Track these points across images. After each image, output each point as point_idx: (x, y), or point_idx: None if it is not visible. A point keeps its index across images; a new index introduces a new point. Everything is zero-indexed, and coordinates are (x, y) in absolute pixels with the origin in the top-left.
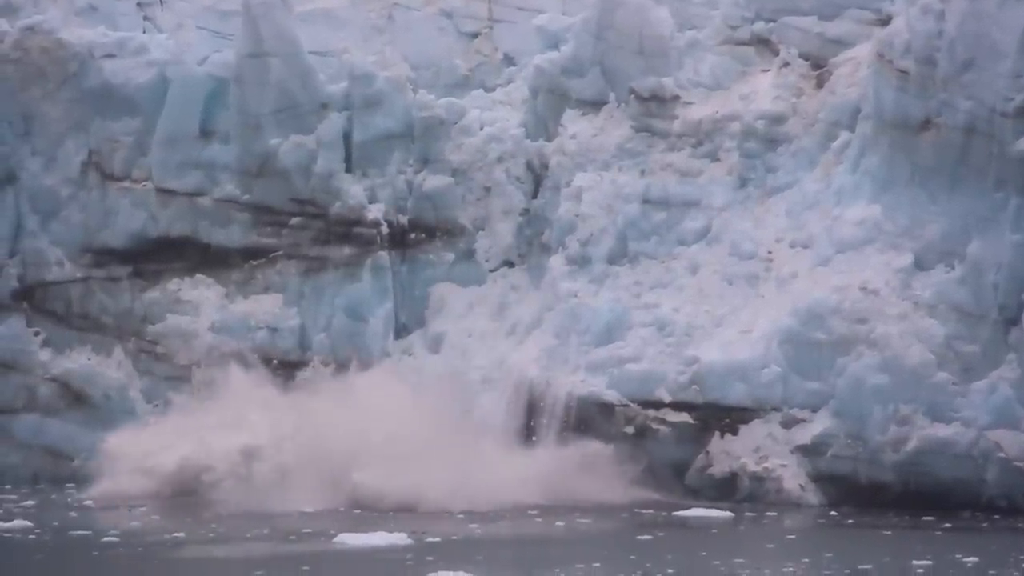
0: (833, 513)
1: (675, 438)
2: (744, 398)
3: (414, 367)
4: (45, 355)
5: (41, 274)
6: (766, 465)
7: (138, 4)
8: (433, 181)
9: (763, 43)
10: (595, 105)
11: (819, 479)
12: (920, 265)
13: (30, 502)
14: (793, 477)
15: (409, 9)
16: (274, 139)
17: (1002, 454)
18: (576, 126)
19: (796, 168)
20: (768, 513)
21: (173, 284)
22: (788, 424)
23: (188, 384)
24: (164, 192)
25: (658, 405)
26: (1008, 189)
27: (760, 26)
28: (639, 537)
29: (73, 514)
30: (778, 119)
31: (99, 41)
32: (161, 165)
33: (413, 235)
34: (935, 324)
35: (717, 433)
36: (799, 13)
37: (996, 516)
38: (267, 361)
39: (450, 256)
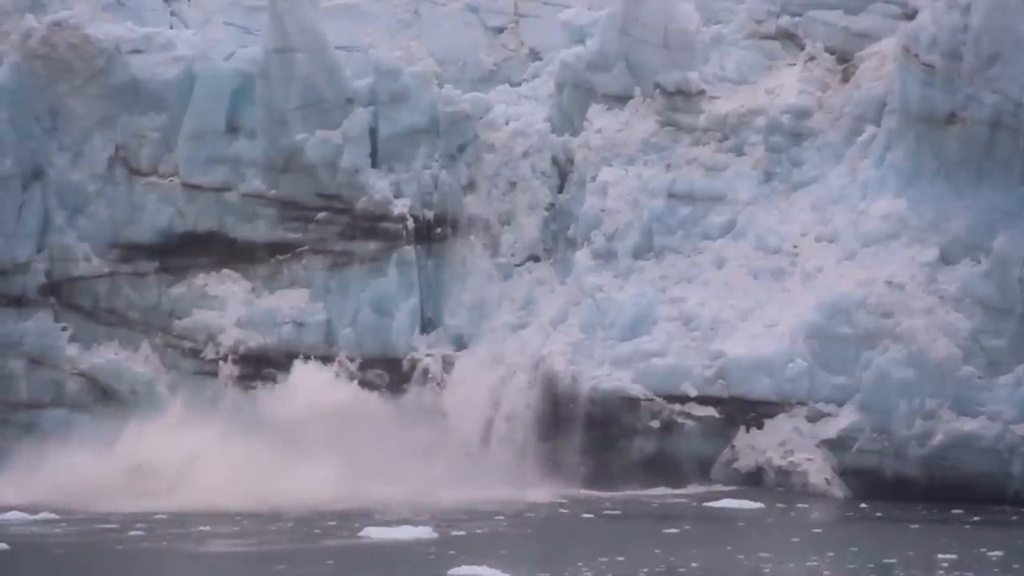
0: (863, 506)
1: (700, 432)
2: (769, 392)
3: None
4: (72, 350)
5: (68, 269)
6: (792, 459)
7: (165, 0)
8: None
9: (789, 37)
10: (620, 99)
11: (845, 473)
12: (945, 259)
13: None
14: (819, 471)
15: (435, 4)
16: (300, 134)
17: None
18: (601, 120)
19: (822, 162)
20: (798, 505)
21: (199, 279)
22: (814, 418)
23: (214, 379)
24: (190, 187)
25: (684, 399)
26: None
27: (786, 20)
28: (665, 531)
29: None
30: (803, 113)
31: (126, 37)
32: (187, 160)
33: (439, 230)
34: (960, 318)
35: (743, 427)
36: (825, 7)
37: (1023, 510)
38: (293, 356)
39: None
